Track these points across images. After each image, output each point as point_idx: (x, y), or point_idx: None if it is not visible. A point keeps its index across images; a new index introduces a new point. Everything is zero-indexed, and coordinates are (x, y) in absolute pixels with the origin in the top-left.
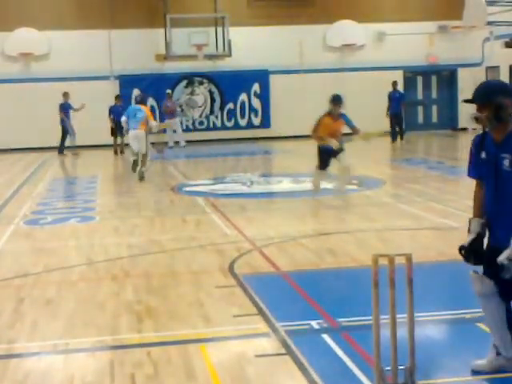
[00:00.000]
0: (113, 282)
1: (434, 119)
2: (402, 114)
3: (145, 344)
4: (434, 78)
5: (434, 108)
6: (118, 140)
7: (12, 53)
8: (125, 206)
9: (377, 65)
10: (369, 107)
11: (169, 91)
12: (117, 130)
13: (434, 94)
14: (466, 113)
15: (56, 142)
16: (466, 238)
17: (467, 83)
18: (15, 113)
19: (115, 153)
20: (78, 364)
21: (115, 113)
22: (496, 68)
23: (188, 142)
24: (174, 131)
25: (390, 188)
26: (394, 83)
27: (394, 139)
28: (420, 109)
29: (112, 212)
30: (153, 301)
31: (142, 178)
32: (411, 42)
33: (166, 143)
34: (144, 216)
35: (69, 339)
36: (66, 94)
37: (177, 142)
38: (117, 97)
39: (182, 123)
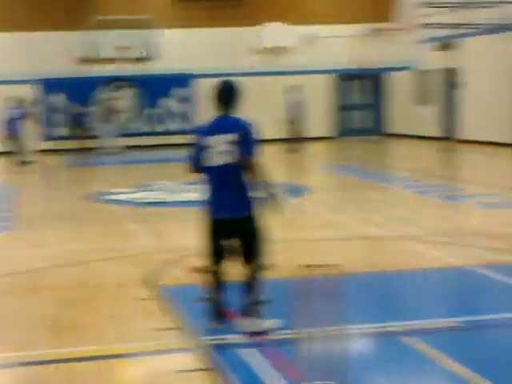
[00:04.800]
0: (28, 294)
1: (363, 124)
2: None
3: (59, 360)
4: (363, 82)
5: (363, 113)
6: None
7: None
8: (43, 215)
9: (308, 68)
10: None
11: (100, 96)
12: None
13: (363, 99)
14: (401, 117)
15: None
16: (392, 248)
17: (396, 87)
18: None
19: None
20: None
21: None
22: (427, 72)
23: (122, 147)
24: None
25: (317, 196)
26: (295, 87)
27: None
28: (349, 114)
29: (30, 222)
30: (69, 314)
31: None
32: (342, 44)
33: (101, 148)
34: (63, 226)
35: None
36: None
37: (100, 148)
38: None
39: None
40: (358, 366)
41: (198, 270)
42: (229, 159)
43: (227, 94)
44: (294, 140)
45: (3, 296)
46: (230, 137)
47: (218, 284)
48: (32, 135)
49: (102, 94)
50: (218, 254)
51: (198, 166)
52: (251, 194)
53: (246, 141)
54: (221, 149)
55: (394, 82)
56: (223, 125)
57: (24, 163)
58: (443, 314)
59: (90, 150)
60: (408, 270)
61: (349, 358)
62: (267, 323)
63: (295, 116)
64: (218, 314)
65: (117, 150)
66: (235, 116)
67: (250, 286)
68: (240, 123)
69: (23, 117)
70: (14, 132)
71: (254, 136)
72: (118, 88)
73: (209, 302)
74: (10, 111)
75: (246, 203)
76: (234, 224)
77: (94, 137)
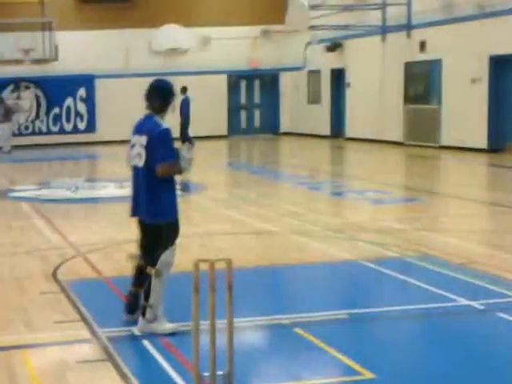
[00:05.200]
0: None
1: (257, 123)
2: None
3: None
4: (256, 83)
5: (257, 112)
6: None
7: None
8: None
9: (202, 69)
10: (194, 111)
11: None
12: None
13: (257, 99)
14: (294, 116)
15: None
16: (284, 243)
17: (289, 87)
18: None
19: None
20: None
21: None
22: (317, 72)
23: (14, 146)
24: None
25: (211, 192)
26: (184, 89)
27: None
28: (243, 113)
29: None
30: None
31: None
32: (235, 46)
33: None
34: None
35: None
36: None
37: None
38: None
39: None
40: (254, 356)
41: (130, 257)
42: (140, 162)
43: (153, 94)
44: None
45: None
46: (143, 139)
47: (138, 277)
48: None
49: (3, 94)
50: (141, 247)
51: (128, 163)
52: (167, 197)
53: (153, 146)
54: (136, 150)
55: (286, 81)
56: (141, 126)
57: None
58: (329, 306)
59: None
60: (298, 264)
61: (244, 350)
62: (160, 327)
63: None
64: (131, 306)
65: (9, 149)
66: (156, 118)
67: (148, 288)
68: (150, 126)
69: None
70: None
71: (162, 142)
72: (20, 88)
73: (127, 294)
74: None
75: (155, 209)
76: (144, 226)
77: None
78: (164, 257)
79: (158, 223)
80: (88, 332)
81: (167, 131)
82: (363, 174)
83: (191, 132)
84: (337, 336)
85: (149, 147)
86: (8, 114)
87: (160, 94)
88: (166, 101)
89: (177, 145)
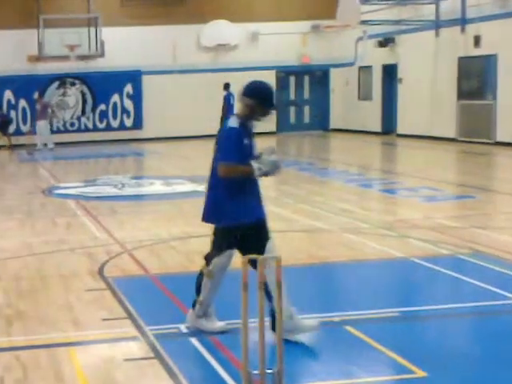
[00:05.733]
0: None
1: (306, 120)
2: None
3: (14, 348)
4: (306, 78)
5: (306, 108)
6: None
7: None
8: None
9: (250, 65)
10: None
11: (37, 93)
12: None
13: (306, 95)
14: (344, 112)
15: None
16: (335, 240)
17: (339, 83)
18: None
19: None
20: None
21: None
22: (368, 68)
23: (59, 143)
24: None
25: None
26: (227, 85)
27: None
28: (292, 109)
29: None
30: (22, 304)
31: None
32: (284, 41)
33: (34, 145)
34: (14, 219)
35: None
36: None
37: (45, 144)
38: None
39: (52, 125)
40: (304, 354)
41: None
42: (214, 163)
43: (239, 95)
44: None
45: None
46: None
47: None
48: None
49: (50, 92)
50: None
51: None
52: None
53: (218, 145)
54: None
55: (337, 77)
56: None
57: None
58: (380, 304)
59: (34, 146)
60: (348, 261)
61: (294, 347)
62: (209, 324)
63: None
64: None
65: (49, 146)
66: (233, 118)
67: (199, 283)
68: (223, 126)
69: None
70: None
71: (225, 141)
72: (66, 85)
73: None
74: None
75: (212, 210)
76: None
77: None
78: (217, 259)
79: (214, 224)
80: (135, 329)
81: (231, 131)
82: (415, 171)
83: None
84: (388, 334)
85: (217, 147)
86: (45, 112)
87: (244, 95)
88: (246, 102)
89: (262, 147)
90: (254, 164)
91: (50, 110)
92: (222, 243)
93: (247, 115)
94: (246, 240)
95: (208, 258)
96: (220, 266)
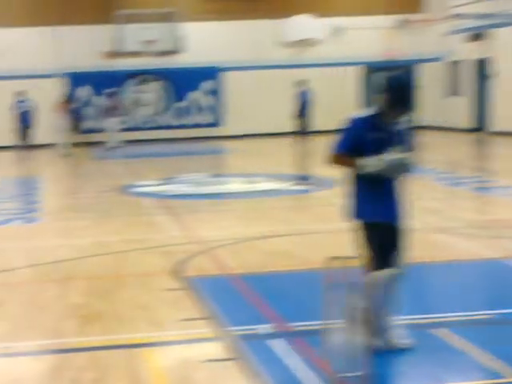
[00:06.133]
0: (58, 284)
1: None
2: (308, 114)
3: (90, 348)
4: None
5: None
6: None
7: None
8: (71, 206)
9: (335, 60)
10: (326, 104)
11: (109, 90)
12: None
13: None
14: (432, 108)
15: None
16: (425, 240)
17: (427, 79)
18: None
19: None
20: (21, 368)
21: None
22: (458, 63)
23: (136, 141)
24: (112, 130)
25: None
26: (302, 82)
27: (303, 139)
28: None
29: (58, 213)
30: (99, 304)
31: None
32: (369, 36)
33: (107, 143)
34: (90, 217)
35: (12, 342)
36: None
37: (110, 142)
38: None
39: (129, 122)
40: (384, 356)
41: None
42: None
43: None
44: (301, 133)
45: (33, 286)
46: None
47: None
48: (67, 128)
49: (127, 88)
50: None
51: None
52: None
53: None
54: None
55: (424, 73)
56: None
57: (64, 156)
58: (473, 306)
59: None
60: (439, 262)
61: (381, 350)
62: (378, 341)
63: (302, 109)
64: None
65: (118, 144)
66: (368, 108)
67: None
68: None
69: (32, 109)
70: (26, 124)
71: (339, 131)
72: (145, 81)
73: None
74: (20, 105)
75: (354, 208)
76: None
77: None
78: (381, 273)
79: (360, 222)
80: (214, 330)
81: (350, 121)
82: (508, 169)
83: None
84: (482, 337)
85: None
86: (115, 109)
87: (377, 88)
88: (377, 93)
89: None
90: (361, 160)
91: (120, 108)
92: (370, 243)
93: (382, 109)
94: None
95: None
96: (375, 278)
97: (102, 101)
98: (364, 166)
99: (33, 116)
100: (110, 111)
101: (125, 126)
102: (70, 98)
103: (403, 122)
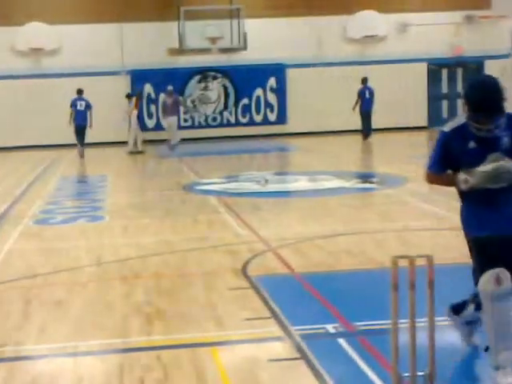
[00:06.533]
0: (122, 283)
1: (460, 114)
2: (372, 111)
3: (155, 347)
4: (459, 71)
5: (459, 102)
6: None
7: (22, 48)
8: (135, 205)
9: (399, 57)
10: (391, 101)
11: (169, 88)
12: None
13: (460, 88)
14: None
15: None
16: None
17: (497, 76)
18: (25, 109)
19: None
20: (87, 367)
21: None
22: None
23: (201, 138)
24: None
25: (411, 186)
26: (364, 79)
27: (366, 137)
28: (445, 103)
29: (122, 211)
30: (163, 303)
31: None
32: (436, 32)
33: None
34: (154, 216)
35: (77, 341)
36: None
37: (168, 140)
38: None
39: (193, 119)
40: (456, 357)
41: None
42: None
43: None
44: (365, 130)
45: (98, 285)
46: None
47: None
48: (137, 126)
49: (191, 86)
50: None
51: None
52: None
53: None
54: None
55: (492, 70)
56: None
57: (133, 153)
58: None
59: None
60: None
61: (445, 350)
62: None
63: (365, 106)
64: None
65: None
66: (456, 118)
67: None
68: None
69: (89, 107)
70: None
71: (434, 146)
72: (208, 79)
73: None
74: (79, 102)
75: (463, 222)
76: None
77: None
78: (480, 282)
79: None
80: (279, 329)
81: (438, 135)
82: None
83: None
84: None
85: None
86: (176, 107)
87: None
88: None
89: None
90: (461, 175)
91: (192, 105)
92: (475, 259)
93: (468, 117)
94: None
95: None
96: (481, 290)
97: (162, 98)
98: (463, 181)
99: (90, 114)
100: (170, 109)
101: (188, 124)
102: (141, 95)
103: (498, 125)
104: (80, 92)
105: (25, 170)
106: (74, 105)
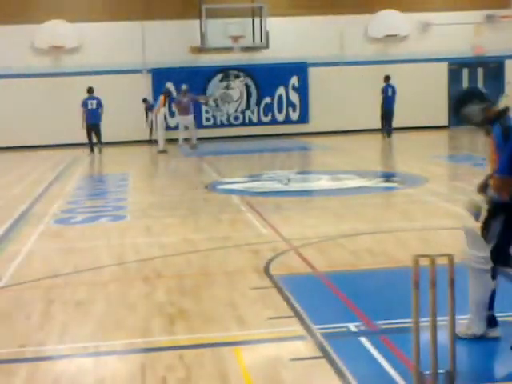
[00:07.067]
0: (144, 282)
1: None
2: (394, 110)
3: (177, 347)
4: (480, 71)
5: None
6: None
7: (42, 46)
8: (157, 204)
9: (421, 56)
10: (412, 100)
11: (184, 87)
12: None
13: (480, 87)
14: None
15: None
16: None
17: None
18: (45, 107)
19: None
20: (109, 367)
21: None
22: None
23: (223, 137)
24: (187, 128)
25: (432, 186)
26: (387, 77)
27: (388, 135)
28: None
29: (144, 211)
30: (185, 302)
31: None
32: (457, 32)
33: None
34: (177, 215)
35: (99, 341)
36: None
37: (187, 139)
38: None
39: (216, 118)
40: (477, 354)
41: None
42: None
43: None
44: (386, 130)
45: (121, 284)
46: None
47: None
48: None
49: (213, 84)
50: None
51: None
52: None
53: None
54: None
55: (511, 70)
56: None
57: (160, 152)
58: None
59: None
60: None
61: (466, 348)
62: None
63: (387, 105)
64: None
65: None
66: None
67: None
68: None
69: (101, 105)
70: (97, 120)
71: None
72: (230, 77)
73: None
74: (90, 101)
75: None
76: None
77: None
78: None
79: None
80: (302, 328)
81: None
82: None
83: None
84: None
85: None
86: (191, 106)
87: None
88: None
89: None
90: None
91: (214, 103)
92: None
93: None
94: None
95: None
96: None
97: (179, 98)
98: None
99: (101, 113)
100: (186, 108)
101: (210, 123)
102: (168, 93)
103: None
104: (90, 90)
105: (45, 169)
106: (85, 104)
